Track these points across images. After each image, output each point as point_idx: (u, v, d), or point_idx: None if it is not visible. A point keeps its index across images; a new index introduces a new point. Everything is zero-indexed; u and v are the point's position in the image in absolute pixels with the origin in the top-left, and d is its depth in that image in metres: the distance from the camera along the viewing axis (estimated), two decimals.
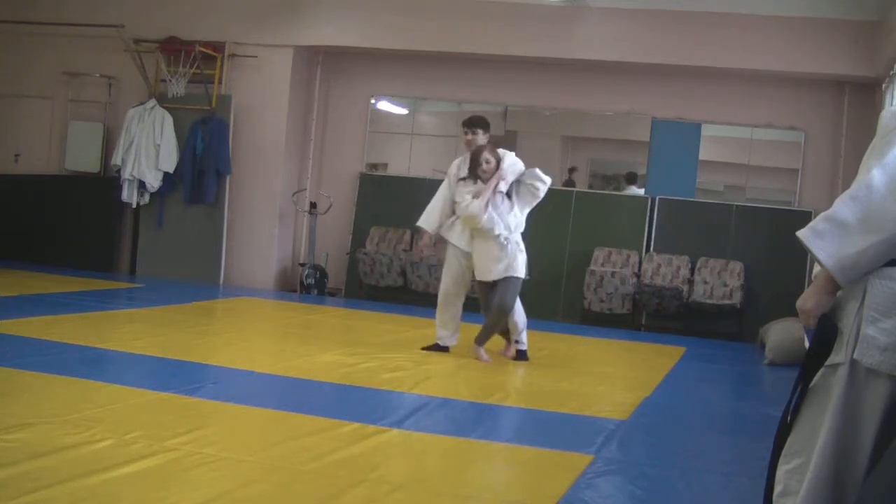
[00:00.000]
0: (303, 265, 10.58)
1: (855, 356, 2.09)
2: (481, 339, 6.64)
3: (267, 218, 10.66)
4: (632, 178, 10.45)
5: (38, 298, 8.02)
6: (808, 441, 2.19)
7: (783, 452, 2.26)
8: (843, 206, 2.22)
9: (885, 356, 2.07)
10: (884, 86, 8.94)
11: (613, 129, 10.66)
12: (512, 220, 6.47)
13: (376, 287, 10.29)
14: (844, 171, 9.57)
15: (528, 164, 6.67)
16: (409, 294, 10.13)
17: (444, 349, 6.79)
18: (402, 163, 10.97)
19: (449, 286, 6.78)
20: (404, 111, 11.17)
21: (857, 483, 2.12)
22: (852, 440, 2.12)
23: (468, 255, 6.65)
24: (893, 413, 2.10)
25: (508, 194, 6.51)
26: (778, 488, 2.27)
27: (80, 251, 10.70)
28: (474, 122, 6.82)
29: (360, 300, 10.26)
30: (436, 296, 6.95)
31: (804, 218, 9.53)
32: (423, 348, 6.80)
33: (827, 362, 2.17)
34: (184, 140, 10.46)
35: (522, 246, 6.56)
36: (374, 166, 11.03)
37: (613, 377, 6.83)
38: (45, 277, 9.45)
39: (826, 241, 2.18)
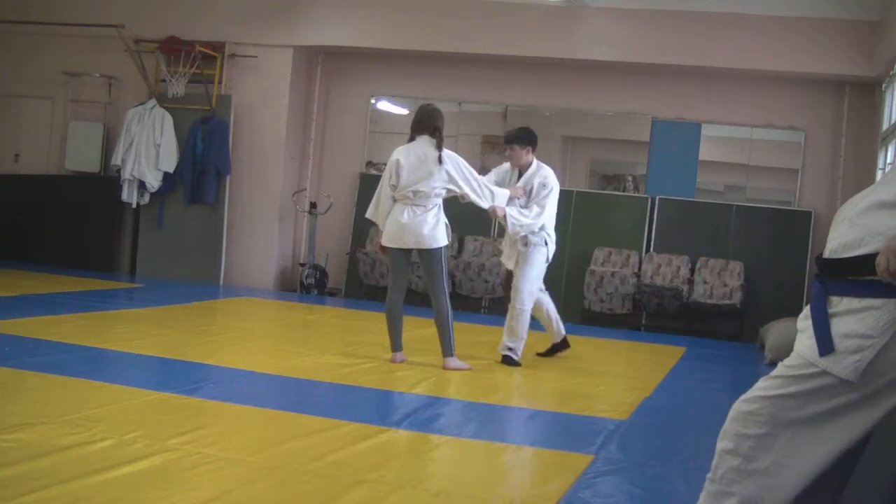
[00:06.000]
0: (303, 265, 10.57)
1: None
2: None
3: (267, 218, 10.66)
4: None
5: (38, 298, 8.02)
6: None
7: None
8: None
9: None
10: (884, 86, 8.94)
11: (613, 129, 10.66)
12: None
13: (376, 287, 10.27)
14: (844, 171, 9.56)
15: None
16: (409, 294, 10.03)
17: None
18: None
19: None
20: (404, 111, 11.16)
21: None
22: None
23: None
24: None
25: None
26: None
27: (80, 251, 10.70)
28: (508, 138, 6.77)
29: (360, 300, 10.25)
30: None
31: (804, 218, 9.56)
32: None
33: (834, 371, 2.13)
34: (184, 140, 10.46)
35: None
36: (374, 166, 11.02)
37: (613, 377, 6.83)
38: (45, 277, 9.44)
39: None
